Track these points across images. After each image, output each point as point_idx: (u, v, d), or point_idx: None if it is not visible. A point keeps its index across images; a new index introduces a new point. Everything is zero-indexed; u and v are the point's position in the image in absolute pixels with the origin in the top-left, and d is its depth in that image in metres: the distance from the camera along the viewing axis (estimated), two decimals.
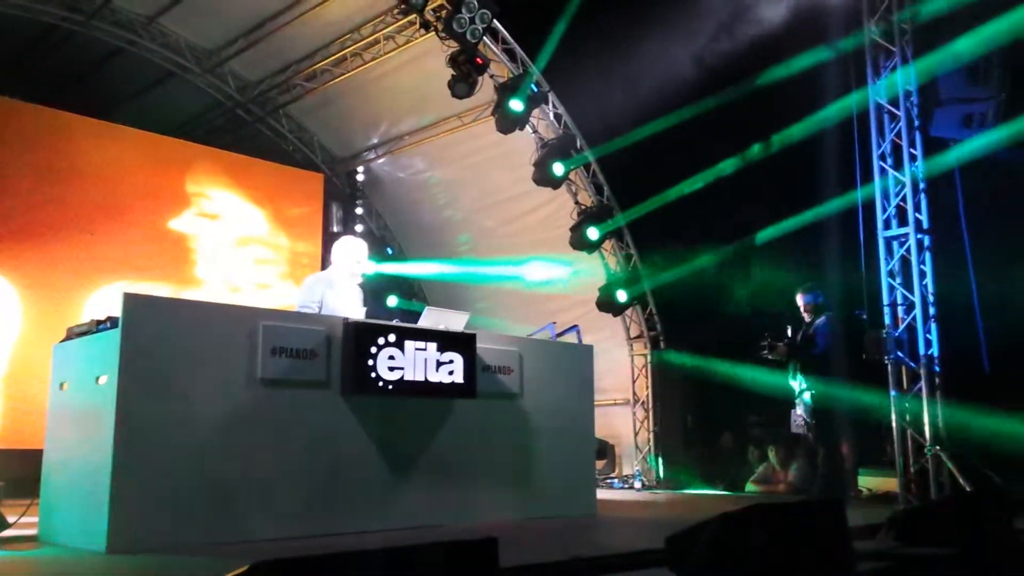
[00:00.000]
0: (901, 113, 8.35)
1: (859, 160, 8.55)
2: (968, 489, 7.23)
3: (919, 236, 8.16)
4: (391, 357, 5.22)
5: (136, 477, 4.26)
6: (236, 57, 11.12)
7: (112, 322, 4.48)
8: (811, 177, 10.02)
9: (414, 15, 9.21)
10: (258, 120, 12.14)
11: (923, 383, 7.91)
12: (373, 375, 5.13)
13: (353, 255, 6.14)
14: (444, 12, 8.94)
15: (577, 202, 10.83)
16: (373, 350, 5.15)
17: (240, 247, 11.04)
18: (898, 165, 8.35)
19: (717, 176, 10.71)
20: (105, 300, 9.34)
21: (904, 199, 8.28)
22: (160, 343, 4.46)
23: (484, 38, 9.20)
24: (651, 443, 11.05)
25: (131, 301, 4.46)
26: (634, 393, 11.35)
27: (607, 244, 10.95)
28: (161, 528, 4.31)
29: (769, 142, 10.29)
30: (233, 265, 10.90)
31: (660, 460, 10.91)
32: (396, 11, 9.67)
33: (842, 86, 8.84)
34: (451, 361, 5.51)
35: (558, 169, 10.16)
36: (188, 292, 10.11)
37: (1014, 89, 8.73)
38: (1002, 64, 8.00)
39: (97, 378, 4.51)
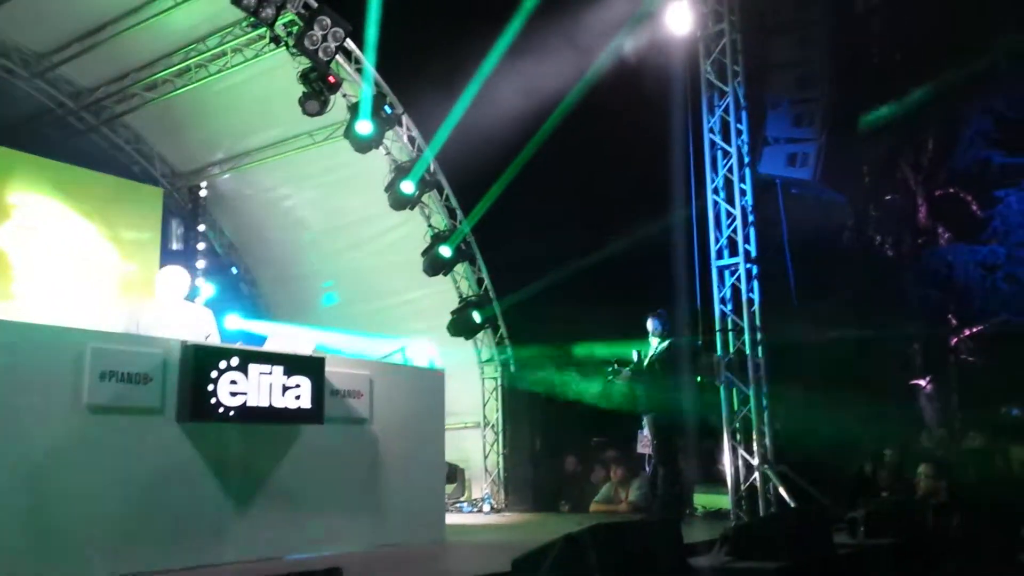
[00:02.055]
0: (732, 150, 8.89)
1: (694, 194, 9.04)
2: (793, 505, 7.73)
3: (748, 266, 8.69)
4: (233, 382, 5.02)
5: None
6: (69, 62, 10.43)
7: None
8: (654, 209, 10.55)
9: (264, 29, 8.98)
10: (92, 129, 11.41)
11: (752, 404, 8.40)
12: (213, 401, 4.91)
13: (171, 285, 5.92)
14: (296, 28, 8.78)
15: (430, 225, 10.83)
16: (214, 374, 4.94)
17: (66, 264, 10.28)
18: (730, 199, 8.88)
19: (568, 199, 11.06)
20: None
21: (735, 231, 8.80)
22: None
23: (337, 57, 9.08)
24: (500, 466, 11.14)
25: None
26: (484, 416, 11.41)
27: (459, 268, 11.01)
28: None
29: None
30: (57, 283, 10.12)
31: (508, 482, 11.02)
32: (245, 24, 9.39)
33: (681, 125, 9.35)
34: (298, 386, 5.35)
35: (407, 187, 10.11)
36: (11, 309, 9.31)
37: (832, 133, 9.55)
38: (823, 109, 8.72)
39: None
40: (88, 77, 10.81)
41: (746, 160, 8.88)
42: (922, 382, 14.22)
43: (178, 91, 10.45)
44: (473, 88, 9.95)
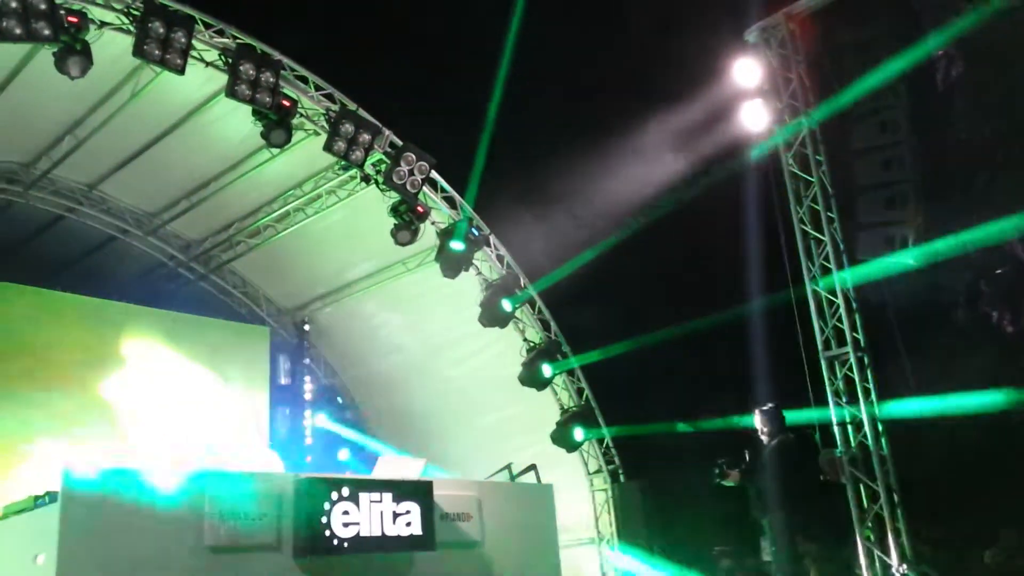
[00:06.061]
0: (826, 238, 8.69)
1: (791, 286, 8.81)
2: None
3: (859, 354, 8.34)
4: (345, 512, 5.04)
5: None
6: (179, 218, 11.21)
7: (51, 497, 4.27)
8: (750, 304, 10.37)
9: (355, 170, 9.50)
10: (201, 278, 12.12)
11: (883, 500, 7.88)
12: (327, 533, 4.93)
13: None
14: (384, 166, 9.24)
15: (525, 339, 10.87)
16: (327, 506, 4.97)
17: (182, 407, 10.70)
18: (830, 288, 8.60)
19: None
20: (36, 468, 8.92)
21: (839, 319, 8.50)
22: (101, 516, 4.25)
23: (424, 188, 9.47)
24: None
25: (70, 474, 4.27)
26: (598, 531, 11.02)
27: (557, 380, 10.94)
28: None
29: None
30: (175, 426, 10.52)
31: None
32: (337, 167, 9.95)
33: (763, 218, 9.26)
34: (408, 512, 5.33)
35: (507, 305, 10.28)
36: (128, 457, 9.69)
37: (927, 210, 9.27)
38: (914, 189, 8.50)
39: (35, 557, 4.24)
40: (196, 230, 11.57)
41: (841, 247, 8.67)
42: None
43: (279, 235, 11.05)
44: (556, 201, 10.17)
